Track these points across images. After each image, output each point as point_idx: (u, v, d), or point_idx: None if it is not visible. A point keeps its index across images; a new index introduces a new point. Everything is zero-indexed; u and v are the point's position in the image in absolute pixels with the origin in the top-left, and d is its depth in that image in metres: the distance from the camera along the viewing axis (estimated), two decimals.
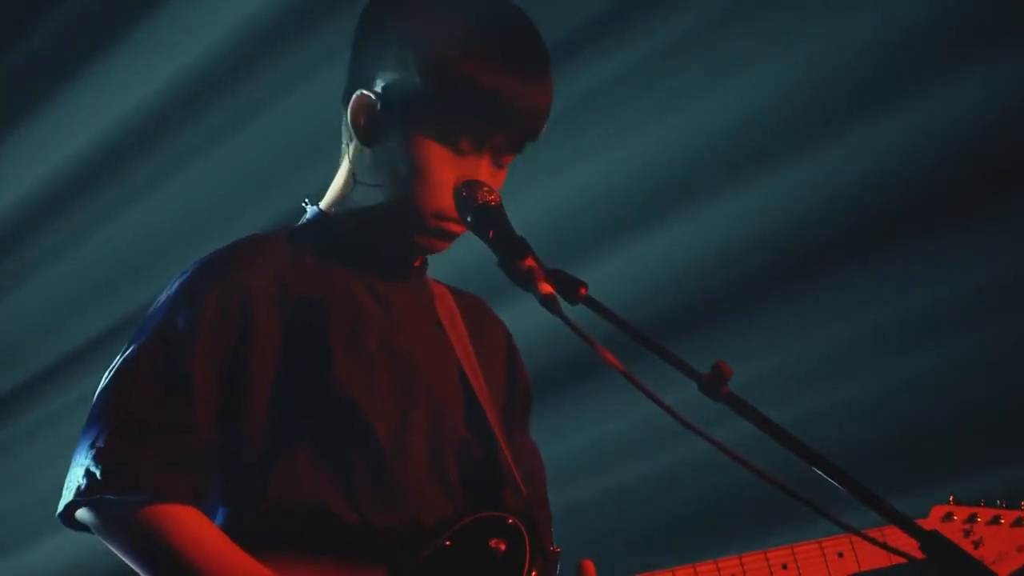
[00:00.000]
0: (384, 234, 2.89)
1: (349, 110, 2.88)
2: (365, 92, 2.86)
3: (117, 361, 2.79)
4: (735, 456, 2.47)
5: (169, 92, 5.21)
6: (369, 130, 2.86)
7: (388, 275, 2.92)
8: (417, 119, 2.81)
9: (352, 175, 2.90)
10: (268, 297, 2.81)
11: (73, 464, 2.73)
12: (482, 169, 2.83)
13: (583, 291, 2.61)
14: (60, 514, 2.75)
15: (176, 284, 2.83)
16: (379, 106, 2.84)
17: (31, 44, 5.11)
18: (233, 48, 5.11)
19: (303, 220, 2.98)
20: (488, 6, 2.85)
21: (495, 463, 2.93)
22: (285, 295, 2.82)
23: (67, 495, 2.73)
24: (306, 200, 2.98)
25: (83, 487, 2.71)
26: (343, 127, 2.93)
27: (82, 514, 2.73)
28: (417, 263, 2.96)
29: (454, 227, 2.83)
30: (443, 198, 2.81)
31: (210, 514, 2.78)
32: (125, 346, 2.81)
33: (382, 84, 2.84)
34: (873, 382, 5.38)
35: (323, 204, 2.95)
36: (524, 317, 3.13)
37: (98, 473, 2.69)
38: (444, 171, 2.81)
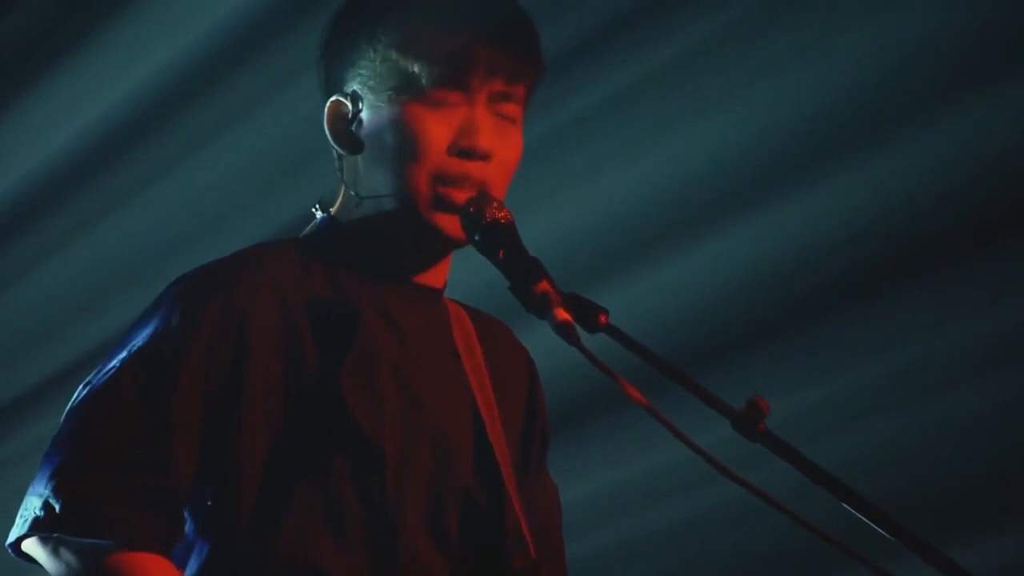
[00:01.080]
0: (399, 244, 2.83)
1: (326, 124, 2.85)
2: (335, 98, 2.84)
3: (93, 377, 2.72)
4: (773, 502, 2.42)
5: (150, 91, 5.21)
6: (348, 134, 2.83)
7: (403, 295, 2.86)
8: (391, 92, 2.78)
9: (352, 193, 2.85)
10: (270, 319, 2.74)
11: (31, 491, 2.66)
12: (478, 117, 2.78)
13: (603, 318, 2.56)
14: (10, 544, 2.68)
15: (167, 296, 2.76)
16: (350, 106, 2.82)
17: None
18: (221, 44, 5.13)
19: (311, 228, 2.91)
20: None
21: (501, 516, 2.85)
22: (290, 318, 2.76)
23: (20, 525, 2.65)
24: (316, 206, 2.91)
25: (40, 519, 2.63)
26: (334, 153, 2.89)
27: (33, 547, 2.66)
28: (441, 284, 2.90)
29: (458, 193, 2.76)
30: (439, 156, 2.76)
31: (184, 556, 2.72)
32: (104, 361, 2.73)
33: (351, 83, 2.82)
34: (930, 418, 5.32)
35: (334, 211, 2.89)
36: (538, 347, 3.08)
37: (57, 507, 2.62)
38: (436, 129, 2.76)
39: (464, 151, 2.76)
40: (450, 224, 2.76)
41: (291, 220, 2.95)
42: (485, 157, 2.76)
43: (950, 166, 5.08)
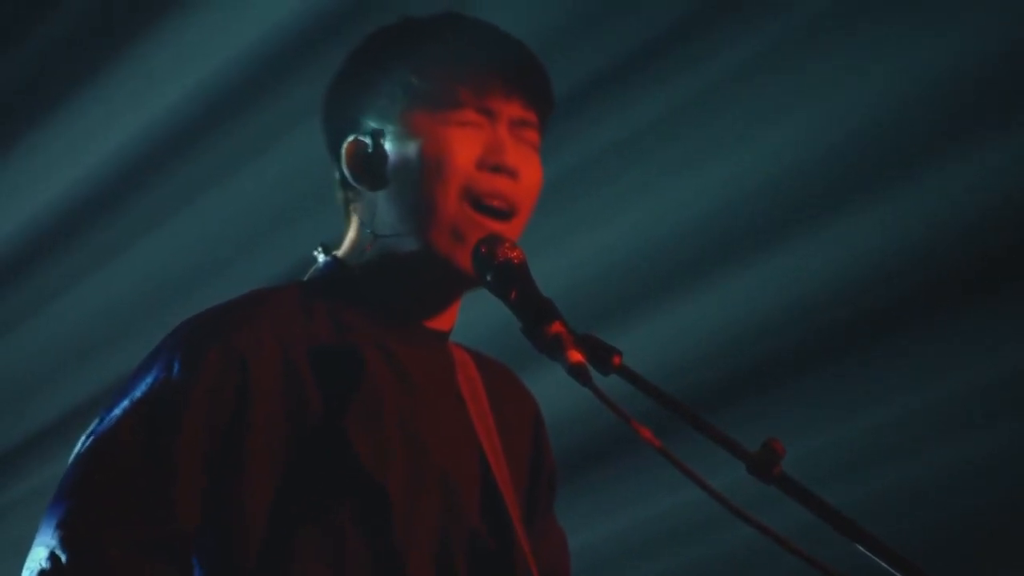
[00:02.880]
0: (410, 284, 2.86)
1: (344, 164, 2.89)
2: (352, 138, 2.88)
3: (96, 427, 2.75)
4: (787, 544, 2.43)
5: (155, 133, 5.22)
6: (369, 170, 2.86)
7: (409, 338, 2.88)
8: (414, 118, 2.83)
9: (367, 232, 2.88)
10: (271, 364, 2.77)
11: (36, 543, 2.69)
12: (503, 137, 2.83)
13: (617, 360, 2.58)
14: None
15: (167, 344, 2.79)
16: (370, 142, 2.86)
17: None
18: (226, 86, 5.13)
19: (315, 271, 2.94)
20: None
21: (511, 560, 2.86)
22: (292, 362, 2.78)
23: None
24: (318, 248, 2.94)
25: (46, 571, 2.66)
26: (341, 197, 2.93)
27: None
28: (448, 328, 2.92)
29: (492, 222, 2.81)
30: (468, 171, 2.80)
31: None
32: (106, 410, 2.77)
33: (369, 121, 2.87)
34: (946, 460, 5.32)
35: (340, 254, 2.92)
36: (550, 389, 3.09)
37: (64, 557, 2.65)
38: (464, 146, 2.81)
39: (493, 166, 2.81)
40: (467, 258, 2.78)
41: (297, 263, 2.96)
42: (514, 174, 2.82)
43: (967, 206, 5.09)
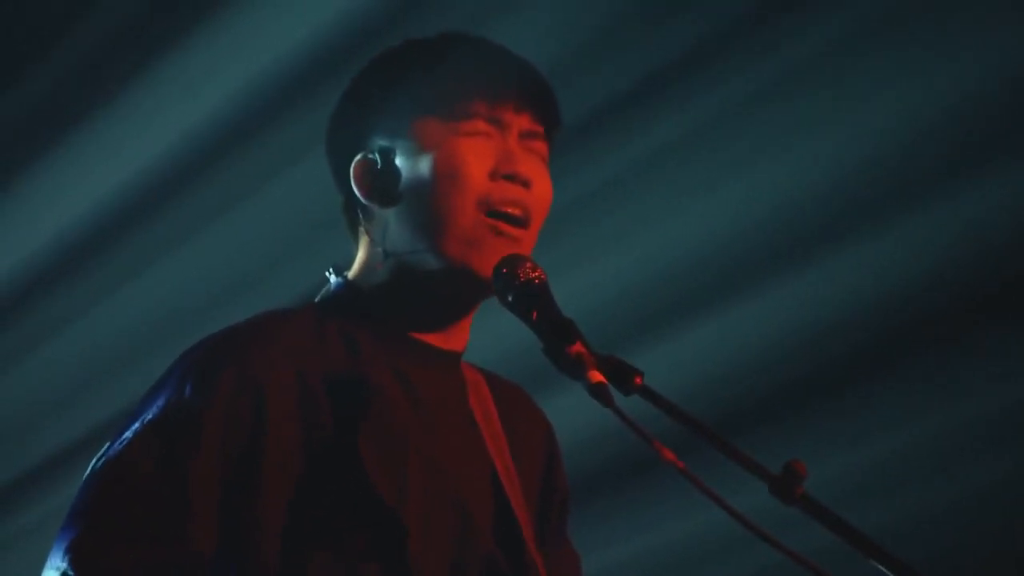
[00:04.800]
0: (423, 302, 2.88)
1: (353, 184, 2.91)
2: (360, 157, 2.90)
3: (107, 449, 2.76)
4: (810, 566, 2.44)
5: (160, 164, 5.24)
6: (380, 188, 2.88)
7: (422, 360, 2.89)
8: (425, 132, 2.85)
9: (378, 251, 2.89)
10: (286, 387, 2.78)
11: (48, 565, 2.70)
12: (515, 147, 2.86)
13: (639, 380, 2.58)
14: None
15: (180, 366, 2.80)
16: (379, 159, 2.88)
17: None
18: (238, 111, 5.14)
19: (326, 292, 2.95)
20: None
21: None
22: (306, 385, 2.80)
23: None
24: (330, 270, 2.96)
25: None
26: (348, 220, 2.95)
27: None
28: (461, 348, 2.94)
29: (509, 227, 2.83)
30: (482, 182, 2.82)
31: None
32: (118, 432, 2.78)
33: (378, 139, 2.89)
34: (970, 481, 5.31)
35: (351, 275, 2.93)
36: (572, 409, 3.10)
37: None
38: (476, 157, 2.83)
39: (507, 175, 2.83)
40: (483, 264, 2.80)
41: (302, 292, 2.97)
42: (527, 184, 2.84)
43: (985, 232, 5.09)
